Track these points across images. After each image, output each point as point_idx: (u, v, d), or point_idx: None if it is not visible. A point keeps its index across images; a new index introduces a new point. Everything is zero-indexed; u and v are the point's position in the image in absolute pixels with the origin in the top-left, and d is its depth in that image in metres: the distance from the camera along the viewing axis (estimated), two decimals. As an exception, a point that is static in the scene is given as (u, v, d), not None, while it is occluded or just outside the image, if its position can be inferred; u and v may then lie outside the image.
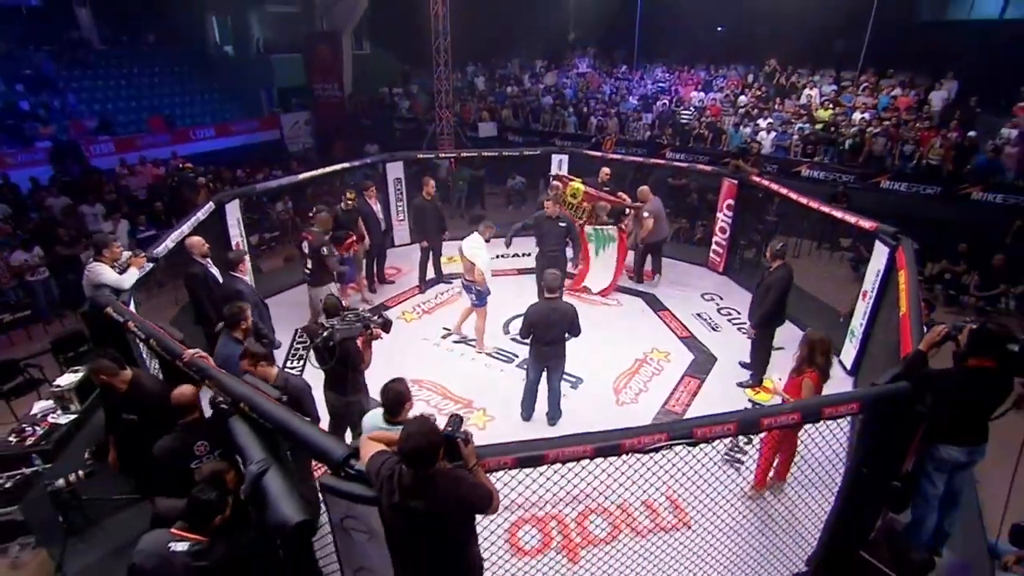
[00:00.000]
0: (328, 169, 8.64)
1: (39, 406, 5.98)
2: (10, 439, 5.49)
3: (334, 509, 2.69)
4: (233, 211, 7.26)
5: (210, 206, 6.81)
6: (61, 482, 4.20)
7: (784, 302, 5.61)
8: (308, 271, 6.45)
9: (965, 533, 3.87)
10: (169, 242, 5.65)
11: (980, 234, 8.88)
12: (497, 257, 8.66)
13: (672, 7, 15.16)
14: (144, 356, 4.51)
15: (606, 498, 3.71)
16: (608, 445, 2.82)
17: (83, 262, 9.59)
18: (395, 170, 9.00)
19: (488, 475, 2.67)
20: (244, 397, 3.10)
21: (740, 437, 5.11)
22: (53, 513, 4.30)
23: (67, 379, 6.30)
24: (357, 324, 4.36)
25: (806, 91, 12.73)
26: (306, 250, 6.40)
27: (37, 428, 5.55)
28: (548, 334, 5.10)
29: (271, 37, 19.08)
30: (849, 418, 4.71)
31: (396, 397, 3.30)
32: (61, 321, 9.09)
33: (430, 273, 8.30)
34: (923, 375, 3.08)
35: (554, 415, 5.45)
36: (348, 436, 4.63)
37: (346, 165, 8.71)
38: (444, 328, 7.10)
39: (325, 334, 4.26)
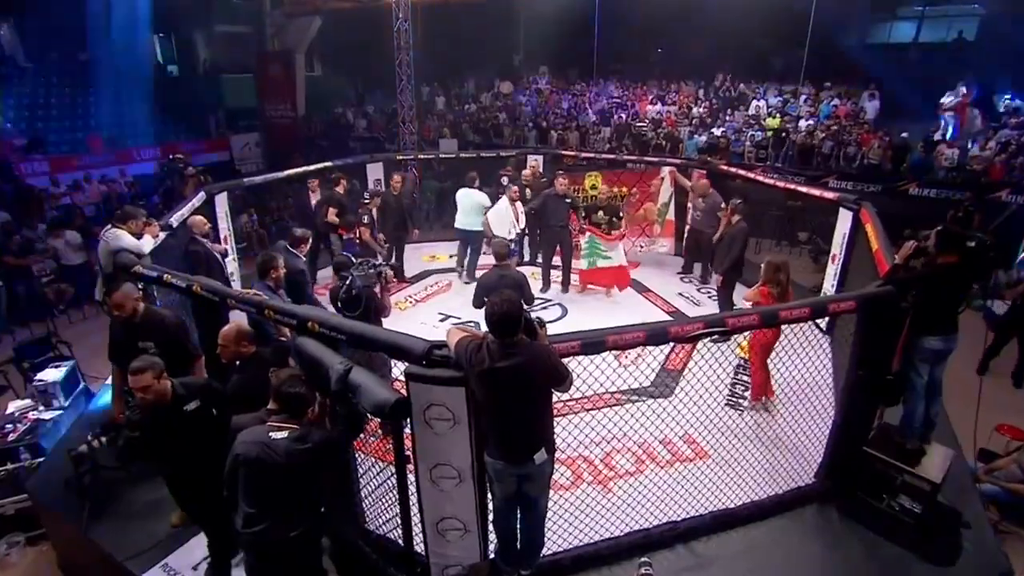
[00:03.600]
0: (312, 167, 8.74)
1: (15, 405, 5.74)
2: (-10, 436, 5.24)
3: (418, 399, 2.82)
4: (222, 203, 7.24)
5: (202, 195, 6.80)
6: (84, 447, 4.12)
7: (744, 252, 6.39)
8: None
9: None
10: (173, 221, 5.64)
11: (919, 225, 9.83)
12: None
13: (621, 29, 16.24)
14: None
15: (628, 438, 4.13)
16: (658, 332, 3.12)
17: (34, 273, 9.31)
18: (375, 171, 9.17)
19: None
20: (312, 316, 3.21)
21: (737, 385, 5.65)
22: (65, 491, 4.18)
23: (51, 374, 6.06)
24: (371, 272, 4.45)
25: (754, 102, 13.77)
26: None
27: (19, 425, 5.32)
28: None
29: (218, 57, 18.82)
30: (829, 348, 5.30)
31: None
32: (13, 335, 8.64)
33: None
34: (903, 278, 3.59)
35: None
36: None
37: (328, 164, 8.80)
38: (440, 313, 7.23)
39: (346, 284, 4.38)
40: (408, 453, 2.95)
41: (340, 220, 7.10)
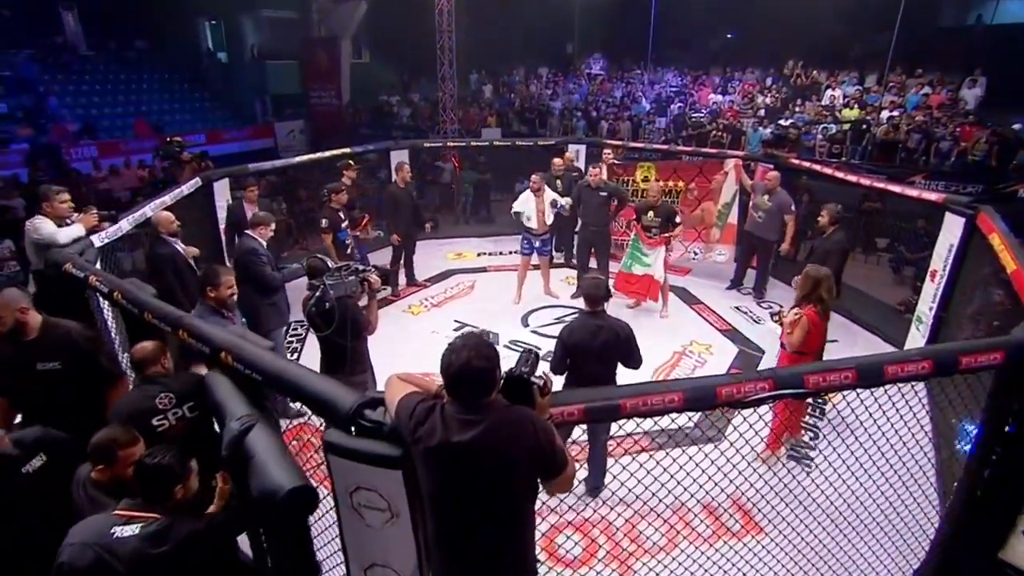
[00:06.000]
0: (328, 153, 8.05)
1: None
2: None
3: (341, 479, 1.97)
4: (222, 192, 6.54)
5: (196, 182, 6.10)
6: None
7: (842, 272, 5.24)
8: None
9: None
10: (148, 209, 4.94)
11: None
12: (511, 253, 8.18)
13: (683, 14, 15.02)
14: (110, 324, 3.78)
15: (659, 498, 3.02)
16: (702, 394, 2.13)
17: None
18: (400, 158, 8.38)
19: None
20: (226, 344, 2.39)
21: (806, 433, 4.54)
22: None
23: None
24: (351, 279, 3.56)
25: (828, 92, 12.34)
26: None
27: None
28: (592, 366, 3.58)
29: (266, 43, 18.59)
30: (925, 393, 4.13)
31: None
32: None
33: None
34: None
35: (596, 482, 3.85)
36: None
37: (347, 150, 8.07)
38: (456, 321, 6.38)
39: (317, 294, 3.54)
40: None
41: (347, 216, 6.30)
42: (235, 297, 3.53)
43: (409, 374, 2.02)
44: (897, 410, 2.62)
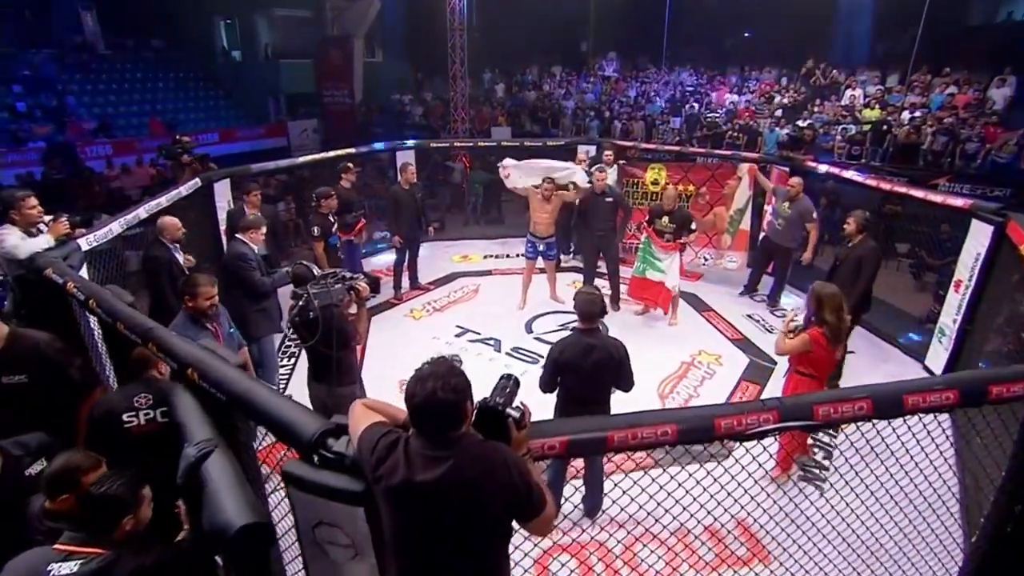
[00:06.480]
0: (332, 154, 7.91)
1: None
2: None
3: (303, 512, 1.82)
4: (223, 193, 6.41)
5: (195, 183, 5.94)
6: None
7: (874, 280, 4.99)
8: None
9: None
10: (141, 211, 4.81)
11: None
12: (517, 256, 7.91)
13: (699, 12, 14.76)
14: (94, 329, 3.68)
15: (659, 520, 2.80)
16: (698, 425, 1.94)
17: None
18: (405, 159, 8.25)
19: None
20: (191, 360, 2.26)
21: (818, 451, 4.31)
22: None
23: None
24: (337, 287, 3.41)
25: (848, 91, 11.97)
26: None
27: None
28: (583, 386, 3.43)
29: (280, 42, 18.64)
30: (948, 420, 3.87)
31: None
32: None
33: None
34: None
35: (594, 503, 3.69)
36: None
37: (351, 151, 7.92)
38: (458, 326, 6.21)
39: (301, 304, 3.39)
40: None
41: (338, 221, 6.17)
42: (215, 308, 3.39)
43: (376, 401, 1.86)
44: (917, 440, 2.41)
